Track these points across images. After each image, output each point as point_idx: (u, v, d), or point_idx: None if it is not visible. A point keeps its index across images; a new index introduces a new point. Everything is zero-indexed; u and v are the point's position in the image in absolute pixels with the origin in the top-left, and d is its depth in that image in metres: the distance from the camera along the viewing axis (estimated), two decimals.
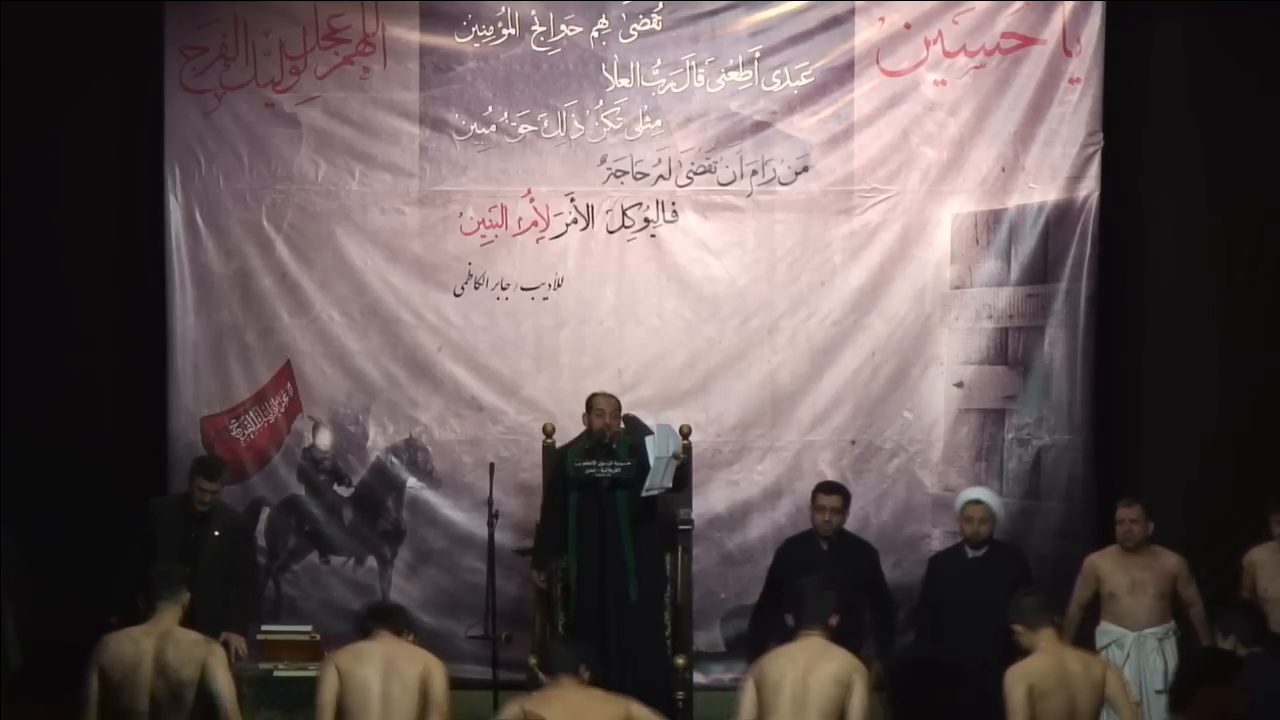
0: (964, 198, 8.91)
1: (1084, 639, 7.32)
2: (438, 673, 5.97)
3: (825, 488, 7.86)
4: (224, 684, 5.92)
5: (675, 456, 7.60)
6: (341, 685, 5.93)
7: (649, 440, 7.59)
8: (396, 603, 6.60)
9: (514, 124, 8.95)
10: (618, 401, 7.89)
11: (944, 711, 7.65)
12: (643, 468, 7.55)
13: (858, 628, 7.66)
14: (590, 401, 7.85)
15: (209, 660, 5.89)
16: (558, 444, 8.21)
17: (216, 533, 7.54)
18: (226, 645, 7.28)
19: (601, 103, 8.94)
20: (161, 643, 5.89)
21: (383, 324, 9.00)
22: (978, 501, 7.67)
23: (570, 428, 8.25)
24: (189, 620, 6.32)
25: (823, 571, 7.58)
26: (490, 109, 8.94)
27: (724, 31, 8.94)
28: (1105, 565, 7.56)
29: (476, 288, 8.98)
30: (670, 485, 7.61)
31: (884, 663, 7.62)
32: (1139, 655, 7.32)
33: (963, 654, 7.43)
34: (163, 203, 8.90)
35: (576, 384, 8.81)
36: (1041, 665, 5.87)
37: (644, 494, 7.56)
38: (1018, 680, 5.82)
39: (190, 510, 7.54)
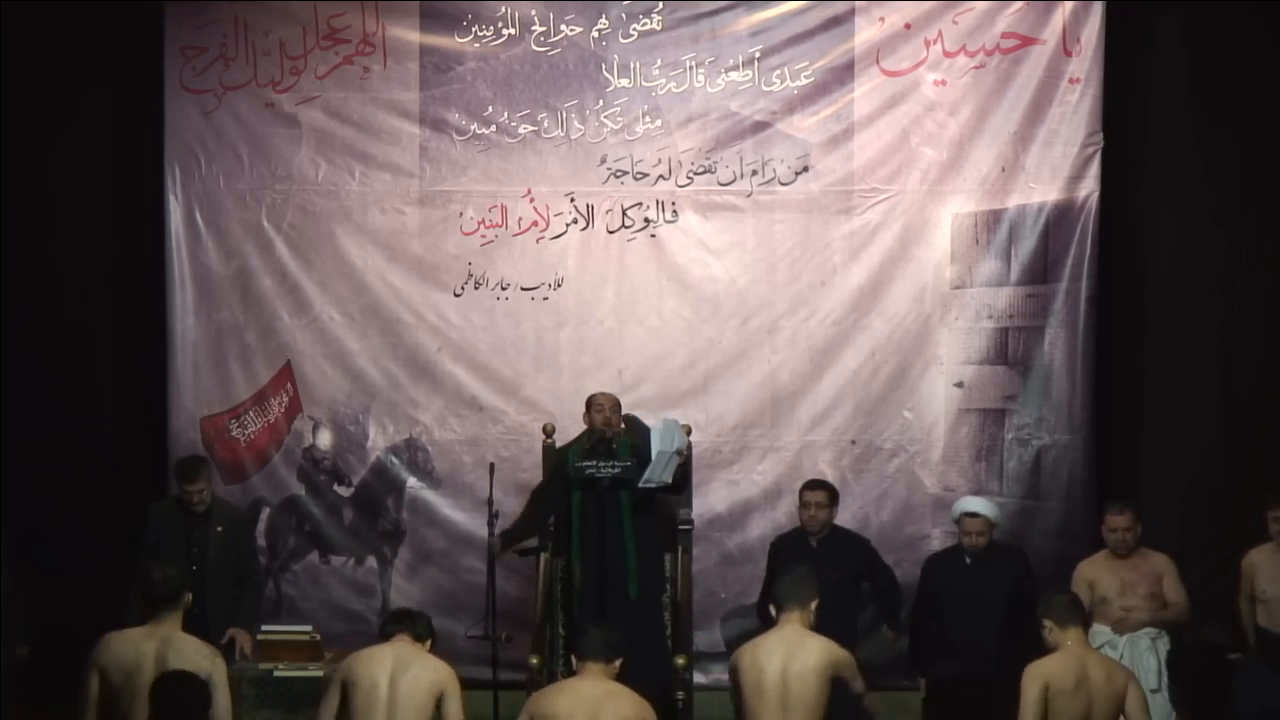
0: (964, 198, 8.91)
1: None
2: (453, 687, 6.00)
3: (810, 484, 7.95)
4: (223, 704, 5.87)
5: (679, 453, 7.61)
6: (349, 687, 5.95)
7: (654, 432, 7.59)
8: (420, 611, 6.57)
9: (514, 124, 8.95)
10: (616, 399, 7.90)
11: (944, 711, 7.66)
12: (644, 462, 7.57)
13: (851, 622, 7.68)
14: (589, 400, 7.88)
15: (213, 676, 5.84)
16: (558, 444, 8.21)
17: (219, 529, 7.54)
18: (232, 643, 7.31)
19: (601, 103, 8.94)
20: (163, 647, 5.81)
21: (383, 324, 9.00)
22: (974, 515, 7.66)
23: (570, 428, 8.25)
24: (200, 619, 6.31)
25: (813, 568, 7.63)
26: (490, 109, 8.94)
27: (724, 31, 8.94)
28: (1095, 571, 7.58)
29: (476, 288, 8.99)
30: (669, 480, 7.61)
31: (897, 631, 7.89)
32: (1132, 656, 7.30)
33: (961, 653, 7.43)
34: (163, 203, 8.90)
35: (576, 384, 8.82)
36: (1060, 665, 5.82)
37: (641, 485, 7.57)
38: (1034, 678, 5.79)
39: (189, 510, 7.54)
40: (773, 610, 6.29)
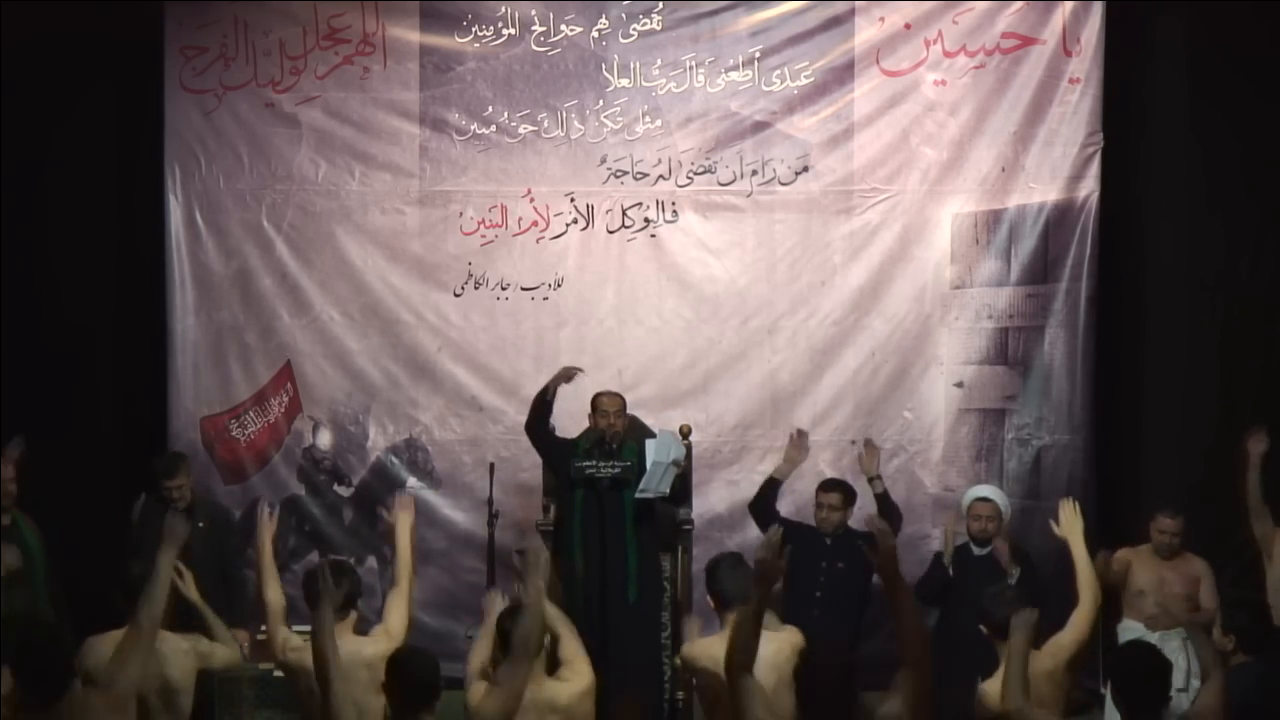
0: (964, 198, 8.92)
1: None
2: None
3: (826, 485, 7.96)
4: (222, 648, 6.10)
5: (675, 464, 7.60)
6: (305, 693, 5.76)
7: (649, 443, 7.62)
8: (333, 565, 6.02)
9: (514, 124, 8.95)
10: (622, 400, 7.89)
11: (944, 706, 7.65)
12: (642, 469, 7.57)
13: (855, 621, 7.68)
14: (594, 401, 7.87)
15: (199, 650, 5.93)
16: None
17: (201, 524, 7.56)
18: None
19: (601, 103, 8.94)
20: None
21: (383, 324, 9.01)
22: (986, 499, 7.74)
23: (570, 428, 8.25)
24: (184, 616, 6.30)
25: (823, 560, 7.64)
26: (490, 109, 8.94)
27: (724, 31, 8.94)
28: (1136, 561, 7.62)
29: (476, 288, 8.99)
30: (666, 492, 7.62)
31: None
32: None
33: (964, 649, 7.43)
34: (163, 203, 8.91)
35: (576, 384, 8.78)
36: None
37: (637, 496, 7.58)
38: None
39: (171, 507, 7.53)
40: (710, 601, 5.92)
